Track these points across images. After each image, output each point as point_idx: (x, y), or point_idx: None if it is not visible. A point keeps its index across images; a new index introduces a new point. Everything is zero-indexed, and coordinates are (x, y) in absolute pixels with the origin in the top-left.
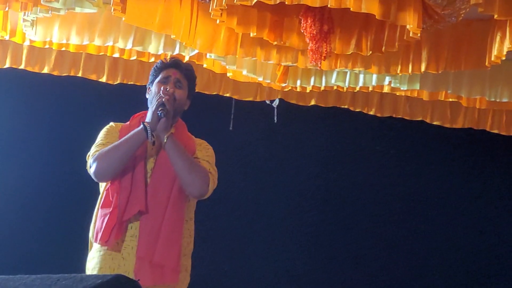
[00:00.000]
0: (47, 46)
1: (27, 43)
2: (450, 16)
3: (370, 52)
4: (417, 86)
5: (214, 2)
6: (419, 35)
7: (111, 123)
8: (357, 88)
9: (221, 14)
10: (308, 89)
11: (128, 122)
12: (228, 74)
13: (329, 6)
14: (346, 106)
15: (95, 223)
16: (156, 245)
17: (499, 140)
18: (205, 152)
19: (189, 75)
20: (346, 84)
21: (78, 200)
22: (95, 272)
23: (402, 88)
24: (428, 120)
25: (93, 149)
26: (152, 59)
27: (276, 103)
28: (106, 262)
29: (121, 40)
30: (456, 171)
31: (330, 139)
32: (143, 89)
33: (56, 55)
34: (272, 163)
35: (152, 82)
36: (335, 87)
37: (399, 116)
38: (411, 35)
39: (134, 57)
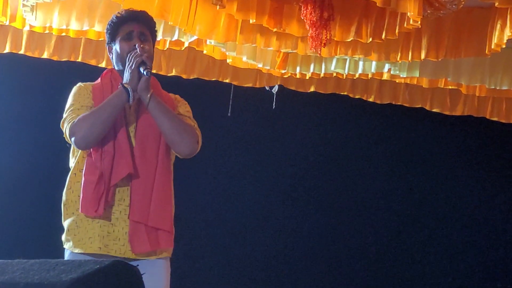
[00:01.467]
0: (47, 31)
1: (27, 28)
2: (451, 4)
3: (370, 39)
4: (417, 74)
5: None
6: (419, 22)
7: (79, 84)
8: (357, 75)
9: (221, 0)
10: (308, 75)
11: (98, 81)
12: (228, 61)
13: None
14: (345, 93)
15: (70, 190)
16: (149, 207)
17: (499, 128)
18: (184, 107)
19: (150, 24)
20: (346, 71)
21: None
22: (81, 243)
23: (401, 75)
24: (427, 107)
25: (68, 114)
26: None
27: (275, 89)
28: (94, 231)
29: None
30: (455, 158)
31: (329, 126)
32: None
33: (56, 40)
34: (270, 149)
35: (112, 40)
36: (334, 74)
37: (399, 103)
38: (411, 22)
39: None
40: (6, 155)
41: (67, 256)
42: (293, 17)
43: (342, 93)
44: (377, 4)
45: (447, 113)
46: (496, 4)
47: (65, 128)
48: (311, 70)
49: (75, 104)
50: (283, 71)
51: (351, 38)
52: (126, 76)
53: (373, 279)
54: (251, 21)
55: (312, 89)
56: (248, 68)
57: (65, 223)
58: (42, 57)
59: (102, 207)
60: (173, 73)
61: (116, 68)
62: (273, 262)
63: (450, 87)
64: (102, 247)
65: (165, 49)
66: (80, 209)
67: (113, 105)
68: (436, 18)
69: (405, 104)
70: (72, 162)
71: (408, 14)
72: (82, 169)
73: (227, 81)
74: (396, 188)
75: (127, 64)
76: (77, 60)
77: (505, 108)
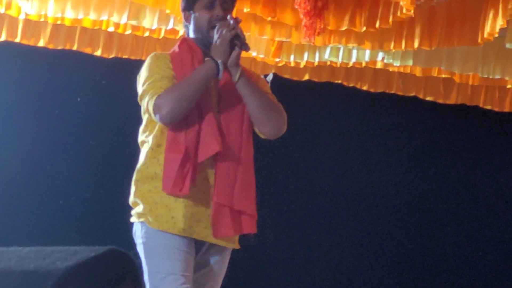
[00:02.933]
0: (42, 19)
1: (22, 16)
2: None
3: (364, 28)
4: (410, 62)
5: None
6: (412, 11)
7: (155, 53)
8: (350, 64)
9: None
10: (302, 64)
11: (176, 49)
12: None
13: None
14: (339, 81)
15: (145, 165)
16: (233, 189)
17: (492, 116)
18: (264, 85)
19: None
20: (340, 59)
21: (76, 171)
22: (163, 221)
23: (395, 64)
24: (421, 96)
25: (148, 87)
26: (147, 33)
27: (270, 77)
28: (177, 210)
29: (116, 14)
30: (449, 147)
31: (324, 114)
32: (138, 63)
33: (52, 28)
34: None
35: (190, 7)
36: (328, 63)
37: (392, 92)
38: (404, 11)
39: (129, 31)
40: (3, 142)
41: (142, 230)
42: (287, 6)
43: (336, 82)
44: None
45: (440, 101)
46: None
47: (147, 102)
48: (305, 58)
49: (155, 75)
50: (277, 60)
51: (345, 27)
52: (218, 49)
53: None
54: (245, 10)
55: (306, 77)
56: (242, 56)
57: (137, 199)
58: (38, 45)
59: (188, 186)
60: None
61: (192, 36)
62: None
63: (443, 76)
64: (187, 228)
65: (161, 37)
66: (163, 187)
67: (201, 78)
68: (429, 7)
69: (398, 93)
70: (144, 137)
71: (401, 3)
72: (160, 144)
73: None
74: (392, 179)
75: (216, 36)
76: (73, 49)
77: (498, 96)
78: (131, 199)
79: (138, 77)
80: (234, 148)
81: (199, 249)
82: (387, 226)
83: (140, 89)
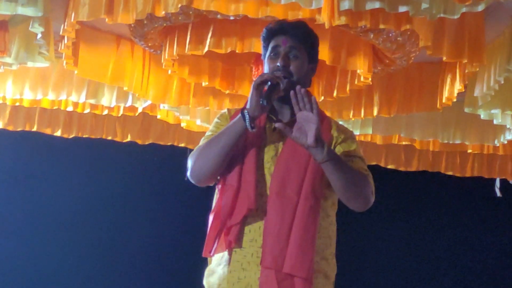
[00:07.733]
0: (0, 101)
1: None
2: (401, 59)
3: (322, 97)
4: (370, 131)
5: (166, 53)
6: (369, 79)
7: (226, 109)
8: None
9: (173, 64)
10: None
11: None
12: (182, 125)
13: None
14: None
15: None
16: (285, 251)
17: (455, 182)
18: (350, 144)
19: (305, 36)
20: None
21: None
22: None
23: (355, 133)
24: (382, 164)
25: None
26: (106, 112)
27: None
28: (224, 277)
29: (74, 94)
30: (413, 214)
31: None
32: (98, 142)
33: (11, 110)
34: None
35: (263, 55)
36: None
37: None
38: (362, 79)
39: (87, 110)
40: None
41: None
42: (245, 78)
43: None
44: (327, 63)
45: (402, 169)
46: (444, 58)
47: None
48: None
49: (208, 132)
50: None
51: None
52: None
53: None
54: (203, 84)
55: None
56: (202, 131)
57: (206, 269)
58: None
59: (215, 248)
60: (129, 138)
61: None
62: None
63: (404, 143)
64: None
65: (120, 115)
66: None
67: (228, 133)
68: (386, 74)
69: None
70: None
71: (358, 71)
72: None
73: (182, 145)
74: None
75: (254, 83)
76: (33, 130)
77: (459, 162)
78: None
79: None
80: (287, 207)
81: None
82: None
83: None
